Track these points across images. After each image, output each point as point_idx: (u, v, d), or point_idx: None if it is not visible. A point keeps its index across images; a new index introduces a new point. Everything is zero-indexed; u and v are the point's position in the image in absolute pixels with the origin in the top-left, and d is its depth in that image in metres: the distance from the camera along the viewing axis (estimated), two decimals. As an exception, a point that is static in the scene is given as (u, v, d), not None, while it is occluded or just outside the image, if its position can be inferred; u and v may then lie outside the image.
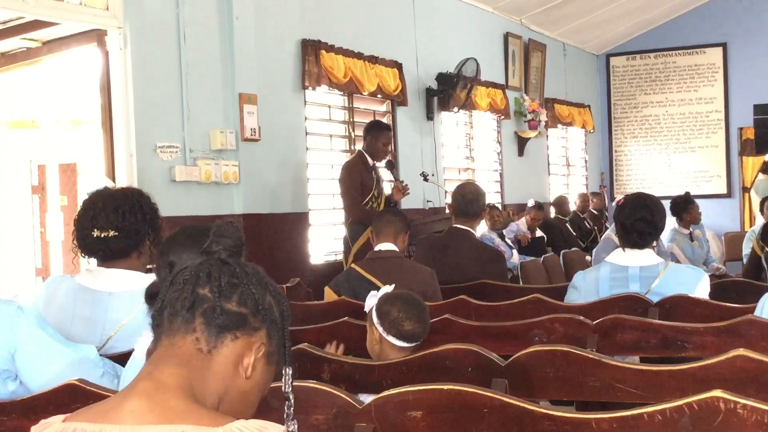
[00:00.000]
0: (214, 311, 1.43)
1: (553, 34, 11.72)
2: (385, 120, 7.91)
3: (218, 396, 1.43)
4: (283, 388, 1.54)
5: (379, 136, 6.44)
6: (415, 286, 4.13)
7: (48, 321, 2.69)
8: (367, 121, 7.13)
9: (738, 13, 12.54)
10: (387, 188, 6.83)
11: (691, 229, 7.68)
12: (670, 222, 7.45)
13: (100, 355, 2.70)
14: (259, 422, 1.34)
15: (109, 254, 2.90)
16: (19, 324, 2.47)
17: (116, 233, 2.87)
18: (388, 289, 3.02)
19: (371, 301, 2.98)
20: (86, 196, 3.01)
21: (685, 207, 7.56)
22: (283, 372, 1.55)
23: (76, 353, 2.52)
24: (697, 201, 8.02)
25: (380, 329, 2.88)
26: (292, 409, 1.55)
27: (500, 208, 9.35)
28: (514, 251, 8.54)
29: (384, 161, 6.64)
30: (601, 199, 11.92)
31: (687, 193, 7.82)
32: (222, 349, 1.43)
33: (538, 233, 9.60)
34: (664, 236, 7.34)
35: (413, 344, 2.90)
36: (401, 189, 6.50)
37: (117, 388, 2.42)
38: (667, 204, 6.77)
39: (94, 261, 2.98)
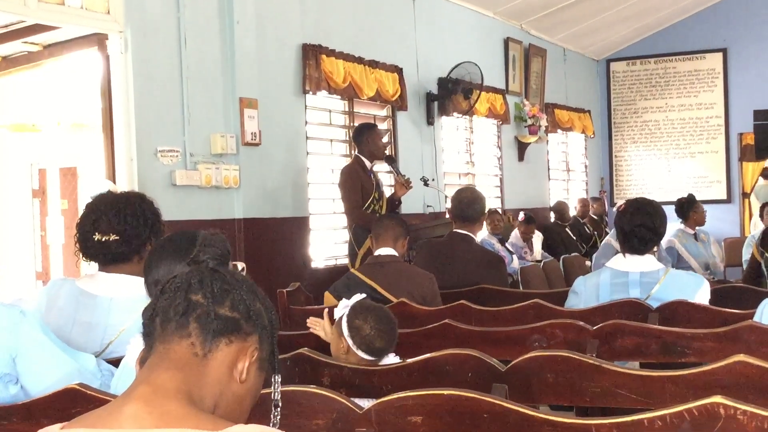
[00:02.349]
0: (208, 316, 1.44)
1: (554, 39, 11.73)
2: (385, 125, 7.92)
3: (214, 400, 1.44)
4: (272, 396, 1.55)
5: (373, 136, 6.45)
6: (414, 290, 4.14)
7: (49, 325, 2.70)
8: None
9: (738, 19, 12.56)
10: (386, 191, 6.83)
11: (696, 230, 7.72)
12: (675, 223, 7.54)
13: (103, 357, 2.71)
14: (259, 427, 1.34)
15: (110, 258, 2.91)
16: (22, 328, 2.48)
17: (117, 237, 2.88)
18: (358, 297, 3.02)
19: (341, 310, 2.98)
20: (89, 200, 3.02)
21: (690, 207, 7.65)
22: (272, 379, 1.56)
23: (76, 362, 2.53)
24: (697, 206, 8.07)
25: (350, 341, 2.88)
26: (278, 417, 1.57)
27: (501, 213, 9.35)
28: (515, 256, 8.54)
29: (384, 158, 6.64)
30: (601, 205, 11.93)
31: (691, 195, 7.91)
32: (217, 354, 1.44)
33: (536, 239, 9.58)
34: (669, 235, 7.39)
35: (380, 358, 2.92)
36: (404, 183, 6.50)
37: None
38: (670, 207, 6.81)
39: (95, 265, 2.99)
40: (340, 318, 2.95)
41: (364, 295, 3.04)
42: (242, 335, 1.47)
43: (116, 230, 2.89)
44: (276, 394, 1.56)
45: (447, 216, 7.16)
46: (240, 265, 1.88)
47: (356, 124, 7.44)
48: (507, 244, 8.81)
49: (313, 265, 6.90)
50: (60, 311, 2.90)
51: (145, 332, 1.49)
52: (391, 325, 2.94)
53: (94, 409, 1.42)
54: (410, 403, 2.05)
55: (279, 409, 1.57)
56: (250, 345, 1.48)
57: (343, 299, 3.04)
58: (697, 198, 8.17)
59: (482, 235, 8.55)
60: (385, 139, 6.96)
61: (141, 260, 2.91)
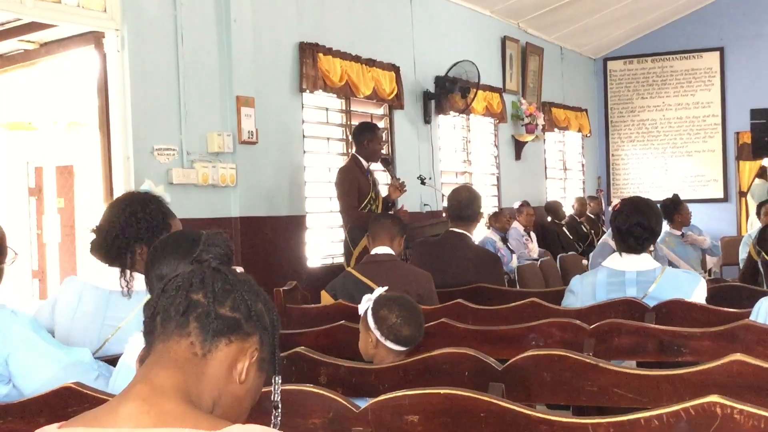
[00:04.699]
0: (209, 316, 1.44)
1: (551, 38, 11.73)
2: (382, 123, 7.91)
3: (212, 400, 1.44)
4: (272, 397, 1.55)
5: (374, 138, 6.43)
6: (411, 289, 4.14)
7: (55, 318, 2.84)
8: (364, 124, 7.11)
9: (735, 18, 12.56)
10: (383, 190, 6.82)
11: (683, 231, 7.73)
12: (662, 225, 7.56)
13: (99, 355, 2.73)
14: (257, 427, 1.34)
15: (94, 249, 2.99)
16: (12, 328, 2.49)
17: (95, 231, 2.98)
18: (381, 290, 3.02)
19: (365, 304, 2.98)
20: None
21: (675, 208, 7.65)
22: (273, 381, 1.55)
23: (70, 357, 2.54)
24: (694, 205, 8.09)
25: (377, 334, 2.88)
26: (279, 418, 1.56)
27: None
28: (514, 255, 8.55)
29: (380, 160, 6.63)
30: (598, 203, 11.93)
31: (675, 195, 7.90)
32: (216, 354, 1.44)
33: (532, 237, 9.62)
34: None
35: (409, 348, 2.91)
36: (398, 187, 6.50)
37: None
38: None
39: (94, 265, 3.05)
40: (365, 312, 2.94)
41: (386, 288, 3.04)
42: (242, 335, 1.47)
43: (100, 225, 2.98)
44: (276, 395, 1.56)
45: (444, 215, 7.16)
46: (239, 270, 1.87)
47: (353, 122, 7.44)
48: (509, 242, 8.82)
49: (310, 263, 6.89)
50: (66, 303, 2.97)
51: (146, 331, 1.49)
52: (416, 312, 2.96)
53: (89, 408, 1.42)
54: (407, 402, 2.05)
55: (280, 410, 1.57)
56: (250, 345, 1.47)
57: (366, 294, 3.03)
58: (694, 197, 8.19)
59: (484, 233, 8.57)
60: (382, 139, 6.94)
61: (134, 259, 2.92)
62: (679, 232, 7.69)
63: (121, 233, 2.92)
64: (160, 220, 2.99)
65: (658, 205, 7.51)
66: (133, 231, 2.92)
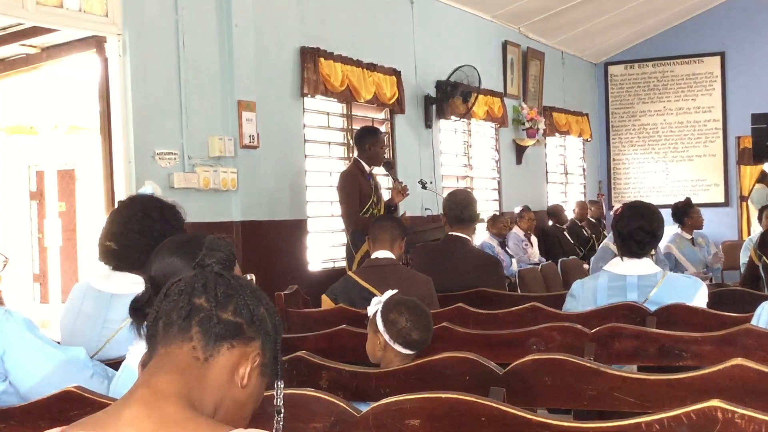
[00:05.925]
0: (211, 320, 1.44)
1: (552, 43, 11.74)
2: (383, 128, 7.91)
3: (214, 405, 1.44)
4: (274, 402, 1.55)
5: (375, 142, 6.44)
6: (412, 293, 4.11)
7: (60, 321, 2.91)
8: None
9: (736, 22, 12.57)
10: (385, 194, 6.83)
11: (693, 235, 7.75)
12: (673, 227, 7.57)
13: (101, 356, 2.75)
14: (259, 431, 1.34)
15: (112, 265, 2.97)
16: (7, 326, 2.52)
17: (116, 248, 2.94)
18: (390, 293, 3.02)
19: (374, 306, 2.98)
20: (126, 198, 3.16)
21: (686, 212, 7.69)
22: (275, 385, 1.55)
23: (65, 355, 2.57)
24: (695, 210, 8.09)
25: (386, 337, 2.88)
26: (281, 423, 1.56)
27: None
28: (514, 260, 8.55)
29: (382, 163, 6.64)
30: (599, 208, 11.93)
31: (688, 199, 7.96)
32: (218, 358, 1.44)
33: (532, 240, 9.62)
34: (665, 239, 7.44)
35: (418, 350, 2.92)
36: (401, 190, 6.49)
37: (107, 389, 2.45)
38: (668, 211, 6.82)
39: (96, 268, 3.06)
40: (374, 315, 2.95)
41: (395, 291, 3.04)
42: (244, 340, 1.47)
43: (118, 241, 2.94)
44: (278, 400, 1.56)
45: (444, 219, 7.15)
46: (249, 277, 1.88)
47: (354, 127, 7.44)
48: (508, 246, 8.82)
49: (311, 267, 6.89)
50: (69, 306, 3.03)
51: (148, 335, 1.49)
52: (426, 316, 2.95)
53: (91, 412, 1.43)
54: (408, 406, 2.05)
55: (282, 415, 1.57)
56: (252, 350, 1.47)
57: (375, 297, 3.03)
58: (695, 201, 8.19)
59: (483, 238, 8.57)
60: (384, 142, 6.95)
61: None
62: (689, 236, 7.72)
63: (138, 254, 2.90)
64: (175, 229, 2.99)
65: (670, 208, 7.63)
66: (148, 245, 2.91)
